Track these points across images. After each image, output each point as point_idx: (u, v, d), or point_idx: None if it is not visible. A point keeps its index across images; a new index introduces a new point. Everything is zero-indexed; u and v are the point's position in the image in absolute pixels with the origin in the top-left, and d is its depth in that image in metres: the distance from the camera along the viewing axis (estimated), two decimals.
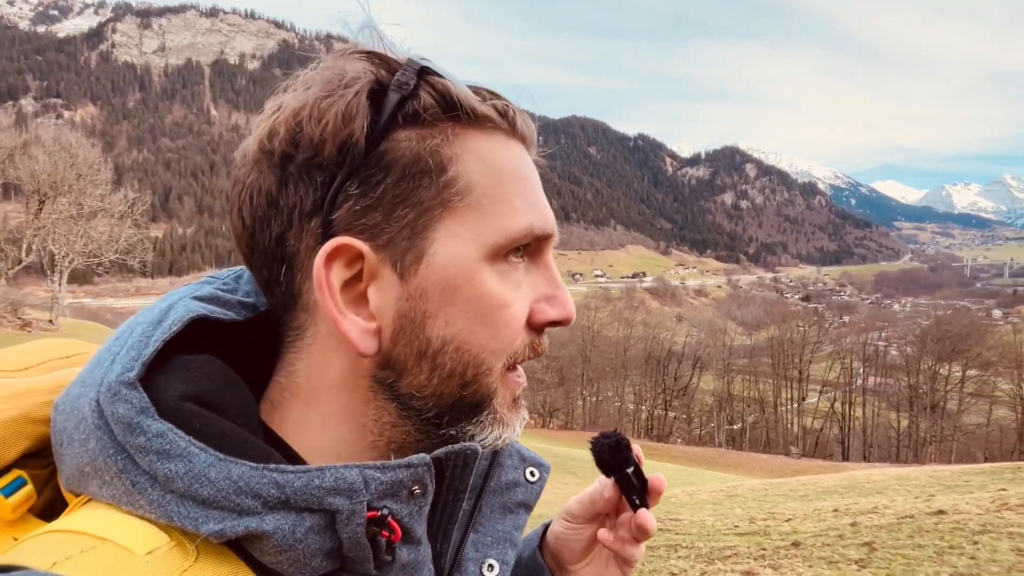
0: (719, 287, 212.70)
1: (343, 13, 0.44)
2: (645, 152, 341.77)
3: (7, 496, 0.40)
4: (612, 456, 0.55)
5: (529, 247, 0.46)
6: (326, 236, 0.41)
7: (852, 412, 44.87)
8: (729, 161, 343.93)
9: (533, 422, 50.09)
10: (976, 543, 3.77)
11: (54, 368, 0.48)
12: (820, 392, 49.17)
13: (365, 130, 0.40)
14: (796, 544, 4.26)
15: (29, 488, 0.41)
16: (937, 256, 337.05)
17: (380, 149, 0.41)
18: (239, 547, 0.38)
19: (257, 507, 0.37)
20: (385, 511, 0.39)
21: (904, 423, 43.05)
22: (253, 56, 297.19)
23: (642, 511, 0.56)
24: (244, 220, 0.44)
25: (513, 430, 0.47)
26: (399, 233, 0.42)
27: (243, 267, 0.49)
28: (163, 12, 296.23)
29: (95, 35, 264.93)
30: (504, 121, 0.45)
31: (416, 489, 0.41)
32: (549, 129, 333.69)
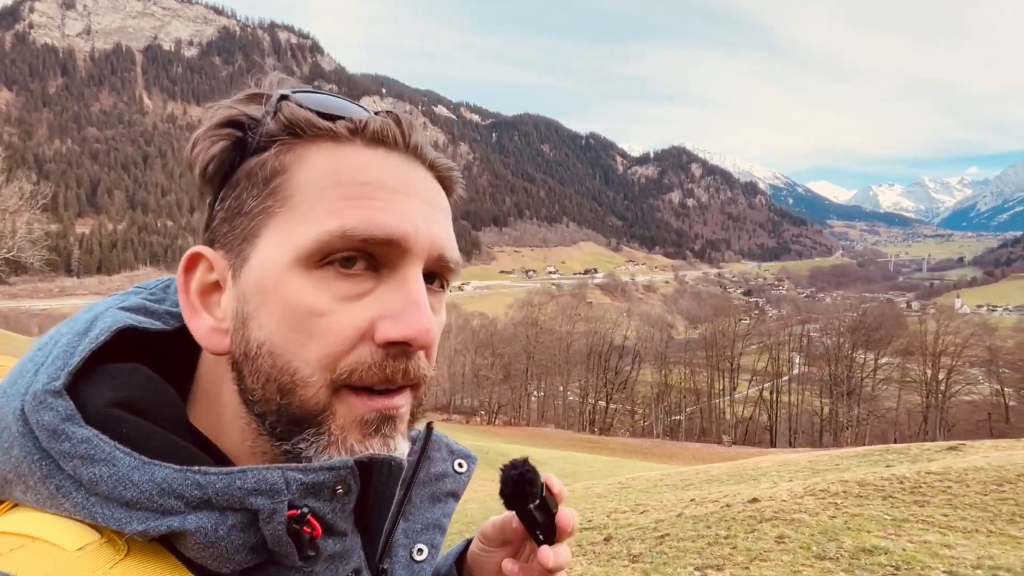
0: (667, 283, 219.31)
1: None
2: (596, 151, 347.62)
3: None
4: (514, 490, 0.53)
5: (376, 257, 0.44)
6: (209, 244, 0.47)
7: (779, 400, 47.31)
8: (676, 161, 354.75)
9: (479, 419, 50.02)
10: (754, 531, 3.92)
11: None
12: (750, 382, 51.52)
13: (225, 164, 0.46)
14: (607, 539, 4.33)
15: None
16: (865, 252, 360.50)
17: (236, 173, 0.46)
18: (169, 543, 0.39)
19: (180, 507, 0.38)
20: (305, 510, 0.40)
21: (826, 410, 45.78)
22: (190, 43, 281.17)
23: (543, 548, 0.54)
24: None
25: (353, 455, 0.44)
26: (235, 239, 0.45)
27: (172, 277, 0.51)
28: None
29: (10, 14, 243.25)
30: (349, 132, 0.45)
31: (339, 489, 0.42)
32: (503, 126, 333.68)
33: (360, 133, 0.45)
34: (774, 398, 47.19)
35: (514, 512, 0.56)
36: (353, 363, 0.43)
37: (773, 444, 43.45)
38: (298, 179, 0.44)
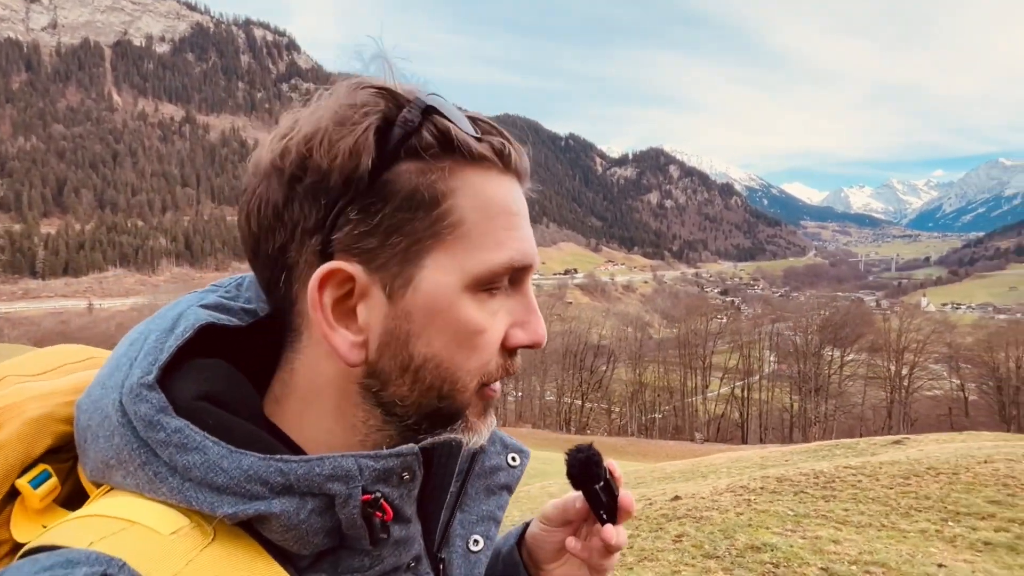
0: (646, 283, 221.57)
1: (358, 45, 0.48)
2: (576, 152, 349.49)
3: (35, 487, 0.46)
4: (581, 471, 0.58)
5: (510, 276, 0.50)
6: (324, 253, 0.46)
7: (750, 397, 48.13)
8: (654, 162, 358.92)
9: None
10: (659, 529, 3.93)
11: (70, 371, 0.55)
12: (721, 379, 52.30)
13: (370, 165, 0.44)
14: None
15: (54, 480, 0.47)
16: (837, 252, 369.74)
17: (382, 180, 0.45)
18: (250, 527, 0.43)
19: (264, 492, 0.42)
20: (378, 494, 0.45)
21: (796, 406, 46.76)
22: (162, 39, 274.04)
23: (607, 527, 0.59)
24: (251, 226, 0.48)
25: (481, 435, 0.52)
26: (392, 258, 0.46)
27: (244, 275, 0.56)
28: None
29: None
30: (499, 160, 0.48)
31: (405, 475, 0.47)
32: None
33: (502, 160, 0.49)
34: (745, 395, 48.02)
35: (579, 492, 0.60)
36: (494, 367, 0.50)
37: (745, 441, 44.18)
38: (463, 205, 0.46)
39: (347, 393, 0.49)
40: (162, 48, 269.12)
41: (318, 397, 0.49)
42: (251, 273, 0.52)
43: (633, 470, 12.33)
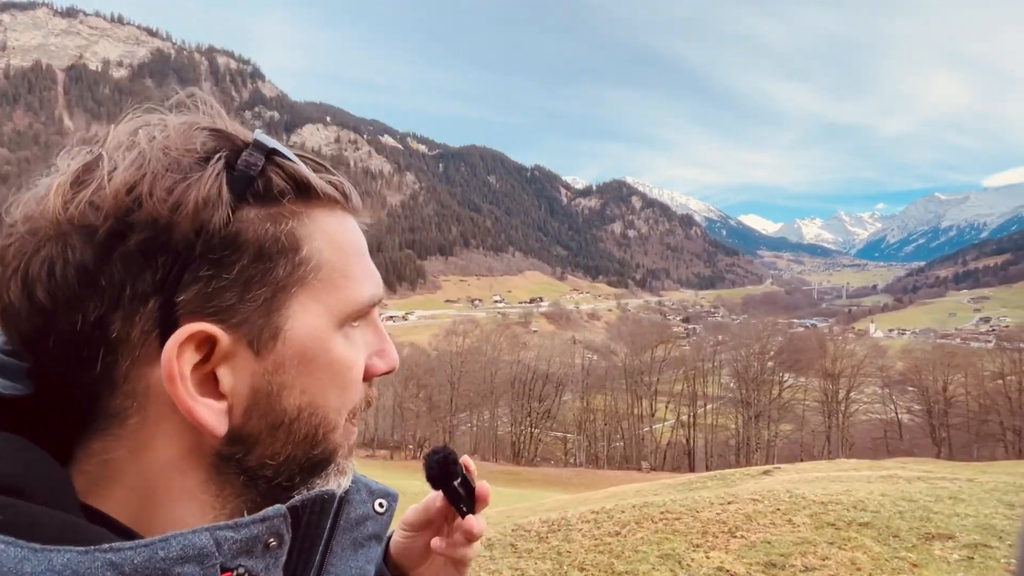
0: (610, 311, 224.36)
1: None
2: (542, 182, 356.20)
3: None
4: (439, 471, 0.61)
5: None
6: (166, 320, 0.39)
7: (696, 424, 48.47)
8: (618, 193, 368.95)
9: (405, 454, 48.11)
10: None
11: None
12: (667, 406, 52.64)
13: (225, 216, 0.39)
14: None
15: None
16: (792, 280, 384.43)
17: (231, 230, 0.40)
18: None
19: None
20: (240, 569, 0.38)
21: (741, 431, 47.26)
22: (120, 64, 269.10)
23: (469, 517, 0.62)
24: (36, 299, 0.38)
25: (349, 476, 0.50)
26: (254, 312, 0.41)
27: None
28: (6, 7, 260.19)
29: None
30: (343, 199, 0.47)
31: (272, 541, 0.40)
32: (450, 157, 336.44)
33: (345, 198, 0.48)
34: (692, 422, 48.37)
35: (439, 492, 0.63)
36: (359, 400, 0.49)
37: (692, 468, 44.21)
38: (321, 247, 0.44)
39: (196, 470, 0.42)
40: (119, 73, 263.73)
41: (152, 484, 0.41)
42: None
43: (526, 506, 11.84)
